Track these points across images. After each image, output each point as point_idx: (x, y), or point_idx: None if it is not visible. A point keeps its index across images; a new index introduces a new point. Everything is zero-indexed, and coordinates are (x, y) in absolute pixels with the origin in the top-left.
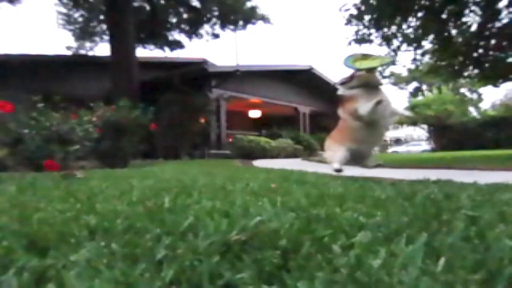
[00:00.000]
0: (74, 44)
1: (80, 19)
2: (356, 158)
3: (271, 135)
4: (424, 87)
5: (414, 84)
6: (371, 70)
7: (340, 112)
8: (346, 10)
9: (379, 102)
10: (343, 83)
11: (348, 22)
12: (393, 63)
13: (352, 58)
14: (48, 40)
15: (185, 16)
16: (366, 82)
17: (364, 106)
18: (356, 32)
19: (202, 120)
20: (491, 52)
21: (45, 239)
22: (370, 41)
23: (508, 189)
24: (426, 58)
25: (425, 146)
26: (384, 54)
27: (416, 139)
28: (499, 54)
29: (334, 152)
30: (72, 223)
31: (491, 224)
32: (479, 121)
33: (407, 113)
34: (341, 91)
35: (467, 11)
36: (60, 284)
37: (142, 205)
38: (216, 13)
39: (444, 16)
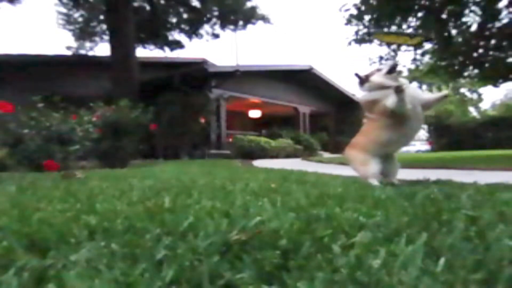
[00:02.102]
0: (74, 44)
1: (80, 19)
2: (382, 162)
3: (271, 135)
4: (424, 87)
5: (414, 84)
6: (390, 71)
7: (369, 114)
8: (346, 10)
9: (398, 90)
10: (361, 81)
11: (348, 22)
12: (420, 44)
13: (377, 32)
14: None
15: (185, 16)
16: (381, 85)
17: (389, 100)
18: (356, 32)
19: (202, 120)
20: (491, 52)
21: (45, 239)
22: (370, 41)
23: (508, 189)
24: (426, 58)
25: (420, 146)
26: (384, 54)
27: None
28: (499, 54)
29: (364, 165)
30: (72, 223)
31: (491, 224)
32: (479, 121)
33: (444, 93)
34: (360, 96)
35: (467, 11)
36: (60, 284)
37: (142, 205)
38: (216, 13)
39: (444, 16)
